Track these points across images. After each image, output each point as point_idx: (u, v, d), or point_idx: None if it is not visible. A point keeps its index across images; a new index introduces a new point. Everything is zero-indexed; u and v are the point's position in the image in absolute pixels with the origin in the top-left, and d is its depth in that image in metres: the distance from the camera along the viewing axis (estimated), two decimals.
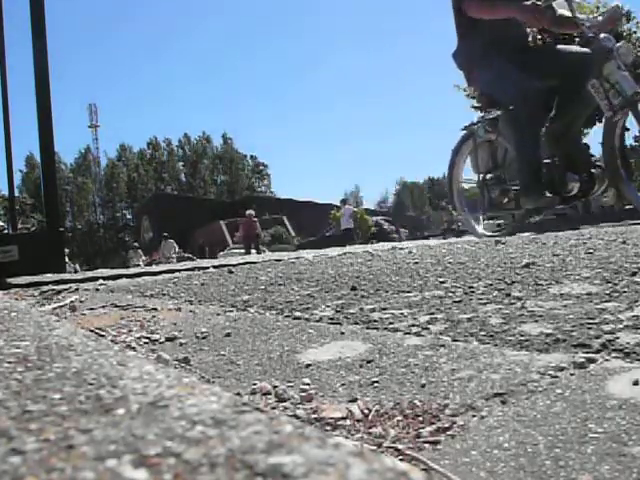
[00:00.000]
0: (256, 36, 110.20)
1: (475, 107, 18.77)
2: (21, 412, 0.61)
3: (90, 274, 5.37)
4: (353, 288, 2.78)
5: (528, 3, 4.58)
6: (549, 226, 9.22)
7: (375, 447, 1.00)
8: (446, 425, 1.04)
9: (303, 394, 1.29)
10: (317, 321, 2.09)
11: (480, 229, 6.38)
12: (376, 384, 1.31)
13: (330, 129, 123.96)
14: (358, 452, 0.48)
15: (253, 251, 20.71)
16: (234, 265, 4.96)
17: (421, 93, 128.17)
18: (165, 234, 19.92)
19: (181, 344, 1.91)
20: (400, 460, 0.92)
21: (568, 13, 4.82)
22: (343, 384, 1.34)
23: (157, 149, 68.19)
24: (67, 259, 23.91)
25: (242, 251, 22.87)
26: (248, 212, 17.85)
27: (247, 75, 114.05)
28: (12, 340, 1.06)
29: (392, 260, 4.12)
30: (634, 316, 1.63)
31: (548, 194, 5.13)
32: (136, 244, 24.69)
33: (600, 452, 0.84)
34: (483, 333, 1.65)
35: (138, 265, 19.65)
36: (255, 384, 1.40)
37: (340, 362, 1.51)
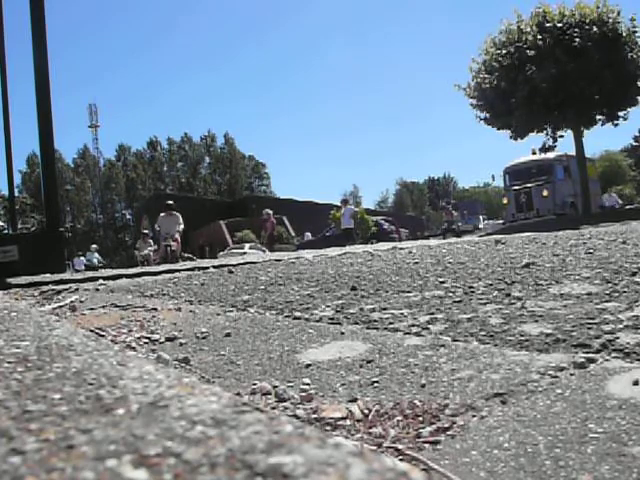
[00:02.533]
0: (253, 34, 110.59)
1: (474, 106, 18.75)
2: (21, 412, 0.61)
3: (90, 274, 5.37)
4: (353, 288, 2.78)
5: None
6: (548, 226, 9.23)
7: (375, 447, 1.00)
8: (446, 425, 1.04)
9: (303, 394, 1.29)
10: (317, 321, 2.09)
11: None
12: (376, 384, 1.31)
13: (330, 129, 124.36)
14: (358, 452, 0.48)
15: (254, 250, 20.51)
16: (234, 265, 4.96)
17: (422, 93, 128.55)
18: (169, 202, 13.30)
19: (181, 344, 1.91)
20: (400, 460, 0.92)
21: None
22: (343, 384, 1.34)
23: (156, 149, 68.36)
24: (97, 255, 22.75)
25: (241, 251, 22.76)
26: (264, 211, 17.56)
27: (246, 74, 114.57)
28: (12, 340, 1.06)
29: (392, 260, 4.12)
30: (634, 316, 1.63)
31: None
32: (146, 231, 18.84)
33: (600, 452, 0.84)
34: (483, 333, 1.65)
35: (147, 258, 16.30)
36: (255, 384, 1.40)
37: (340, 362, 1.51)
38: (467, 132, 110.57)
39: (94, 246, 25.19)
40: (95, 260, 22.36)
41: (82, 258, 23.75)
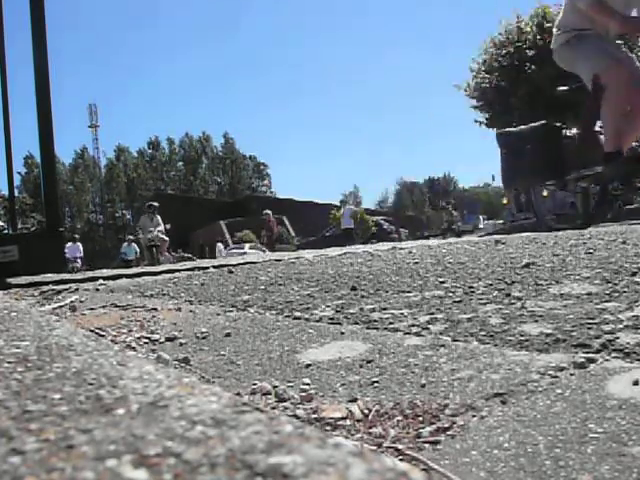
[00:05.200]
0: (254, 34, 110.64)
1: (475, 107, 18.76)
2: (21, 412, 0.61)
3: (90, 274, 5.37)
4: (353, 288, 2.78)
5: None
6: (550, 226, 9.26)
7: (375, 447, 1.00)
8: (446, 425, 1.04)
9: (303, 394, 1.29)
10: (317, 321, 2.09)
11: None
12: (376, 384, 1.31)
13: (331, 129, 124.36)
14: (358, 452, 0.48)
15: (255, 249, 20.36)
16: (234, 265, 4.96)
17: (421, 93, 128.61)
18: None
19: (181, 344, 1.91)
20: (400, 460, 0.91)
21: None
22: (343, 384, 1.34)
23: (157, 149, 68.51)
24: (135, 245, 19.09)
25: (241, 251, 22.74)
26: (265, 212, 17.49)
27: (246, 75, 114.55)
28: (12, 340, 1.06)
29: (392, 260, 4.12)
30: (634, 316, 1.63)
31: None
32: (154, 203, 13.98)
33: (600, 452, 0.84)
34: (483, 333, 1.65)
35: (157, 241, 12.61)
36: (255, 384, 1.40)
37: (340, 362, 1.50)
38: (467, 132, 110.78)
39: (130, 237, 21.56)
40: (133, 253, 19.71)
41: (78, 243, 20.50)
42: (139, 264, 16.86)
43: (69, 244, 19.02)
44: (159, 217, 13.28)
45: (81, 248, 19.99)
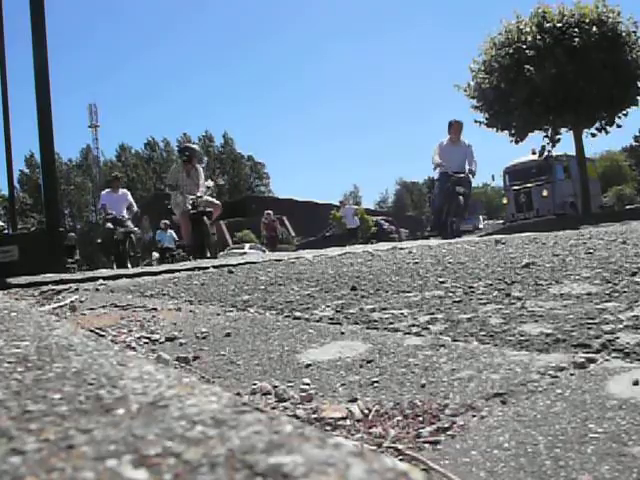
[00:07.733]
0: (253, 35, 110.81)
1: (475, 107, 18.73)
2: (21, 412, 0.61)
3: (90, 274, 5.37)
4: (353, 288, 2.78)
5: None
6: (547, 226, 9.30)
7: (375, 447, 1.00)
8: (446, 425, 1.04)
9: (303, 394, 1.29)
10: (317, 321, 2.09)
11: None
12: (376, 384, 1.31)
13: (331, 130, 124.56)
14: (358, 452, 0.48)
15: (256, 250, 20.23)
16: (234, 265, 4.96)
17: (422, 92, 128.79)
18: None
19: (181, 344, 1.91)
20: (400, 460, 0.91)
21: None
22: (343, 384, 1.34)
23: (155, 149, 68.65)
24: (173, 233, 15.29)
25: (242, 251, 22.71)
26: (266, 212, 17.28)
27: (246, 75, 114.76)
28: (12, 340, 1.06)
29: (392, 260, 4.12)
30: (634, 316, 1.63)
31: None
32: (195, 146, 10.38)
33: (600, 452, 0.84)
34: (483, 333, 1.65)
35: (197, 208, 8.28)
36: (255, 384, 1.40)
37: (340, 362, 1.50)
38: (467, 132, 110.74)
39: (165, 221, 16.99)
40: (171, 240, 16.28)
41: (123, 190, 11.24)
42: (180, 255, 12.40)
43: (106, 191, 11.00)
44: (201, 170, 8.36)
45: (130, 197, 11.07)
